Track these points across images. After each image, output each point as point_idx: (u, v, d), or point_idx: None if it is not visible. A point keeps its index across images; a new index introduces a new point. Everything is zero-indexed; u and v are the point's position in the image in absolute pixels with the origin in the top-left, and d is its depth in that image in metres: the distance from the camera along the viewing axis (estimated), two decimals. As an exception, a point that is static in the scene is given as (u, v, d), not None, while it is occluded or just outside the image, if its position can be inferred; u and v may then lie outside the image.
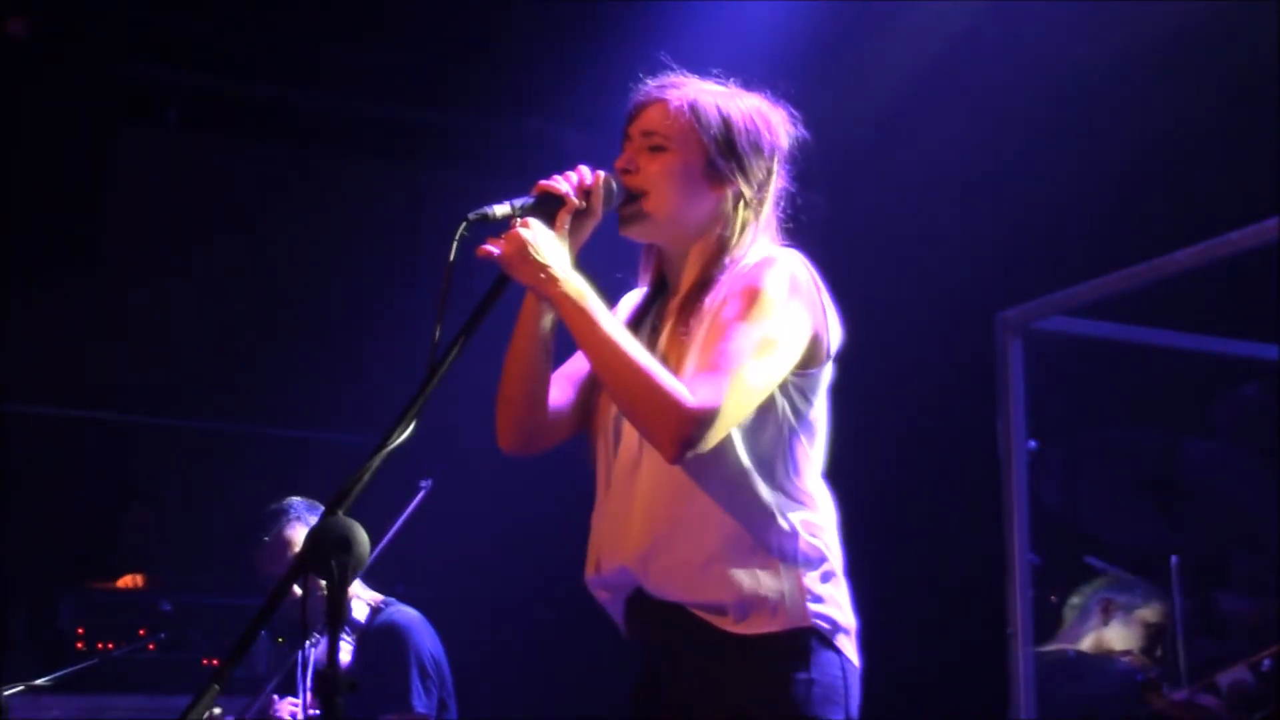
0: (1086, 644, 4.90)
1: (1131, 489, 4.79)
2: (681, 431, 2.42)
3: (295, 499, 4.81)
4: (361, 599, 4.72)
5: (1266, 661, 4.28)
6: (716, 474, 2.52)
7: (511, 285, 2.53)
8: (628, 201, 2.64)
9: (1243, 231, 4.06)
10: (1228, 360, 4.64)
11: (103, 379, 6.66)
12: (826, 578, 2.56)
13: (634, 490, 2.59)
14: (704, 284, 2.62)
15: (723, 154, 2.64)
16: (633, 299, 2.78)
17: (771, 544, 2.52)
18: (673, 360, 2.55)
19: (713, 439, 2.45)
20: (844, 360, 2.68)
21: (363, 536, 2.18)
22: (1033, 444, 4.47)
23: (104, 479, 6.82)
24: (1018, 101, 5.39)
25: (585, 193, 2.60)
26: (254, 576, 4.77)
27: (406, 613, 4.72)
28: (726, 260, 2.63)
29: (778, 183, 2.71)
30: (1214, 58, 5.01)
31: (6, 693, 5.13)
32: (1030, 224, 5.45)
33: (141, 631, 5.93)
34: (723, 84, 2.74)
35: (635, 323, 2.69)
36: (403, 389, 2.37)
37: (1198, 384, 4.80)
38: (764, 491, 2.54)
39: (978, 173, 5.59)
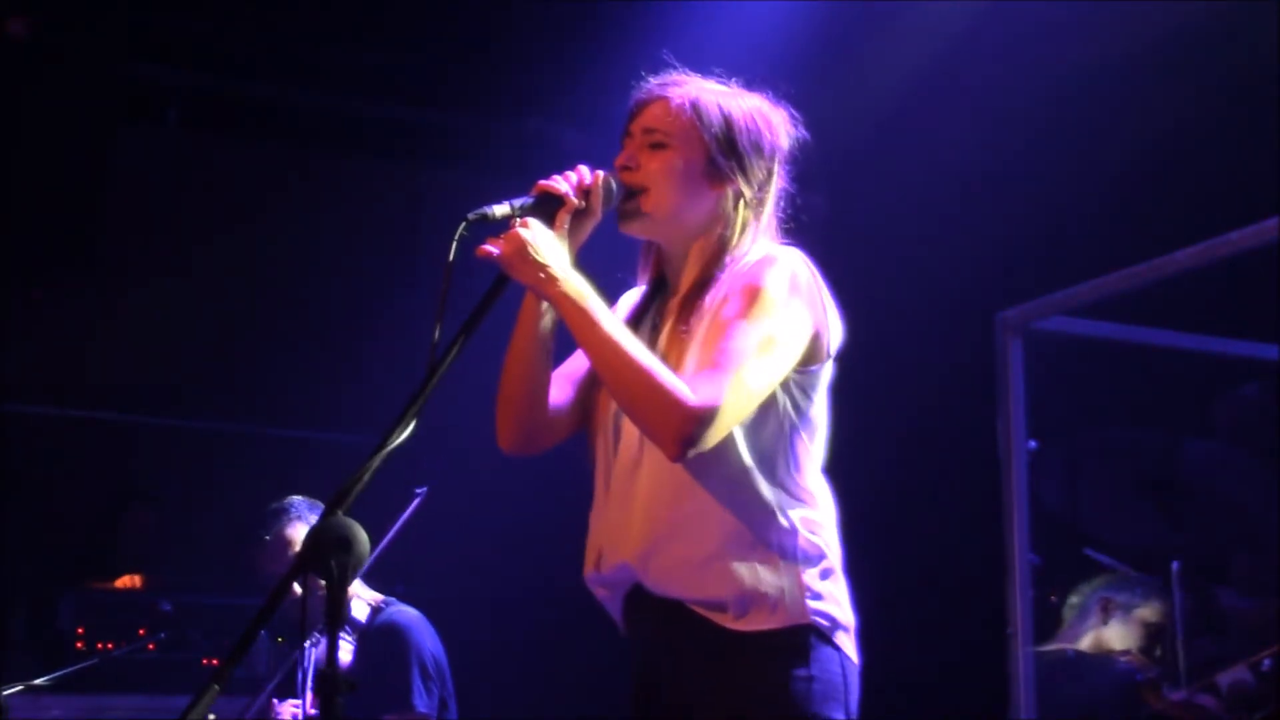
0: (1086, 643, 4.90)
1: (1131, 489, 4.79)
2: (684, 430, 2.42)
3: (296, 498, 4.81)
4: (362, 599, 4.72)
5: (1266, 661, 4.28)
6: (718, 471, 2.52)
7: (511, 285, 2.53)
8: (627, 198, 2.64)
9: (1243, 231, 4.06)
10: (1228, 360, 4.64)
11: (103, 379, 6.66)
12: (826, 575, 2.56)
13: (635, 488, 2.59)
14: (704, 283, 2.62)
15: (723, 153, 2.65)
16: (631, 298, 2.78)
17: (771, 541, 2.52)
18: (673, 359, 2.56)
19: (714, 437, 2.45)
20: (844, 360, 2.68)
21: (362, 536, 2.18)
22: (1033, 444, 4.46)
23: (104, 479, 6.82)
24: (1018, 101, 5.39)
25: (584, 192, 2.60)
26: (254, 576, 4.76)
27: (407, 613, 4.72)
28: (726, 259, 2.63)
29: (778, 183, 2.72)
30: (1214, 58, 5.01)
31: (6, 693, 5.12)
32: (1030, 224, 5.45)
33: (141, 631, 5.93)
34: (724, 84, 2.74)
35: (635, 321, 2.69)
36: (403, 389, 2.37)
37: (1198, 384, 4.80)
38: (765, 488, 2.54)
39: (978, 173, 5.59)
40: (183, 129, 6.30)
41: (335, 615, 2.16)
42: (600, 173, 2.63)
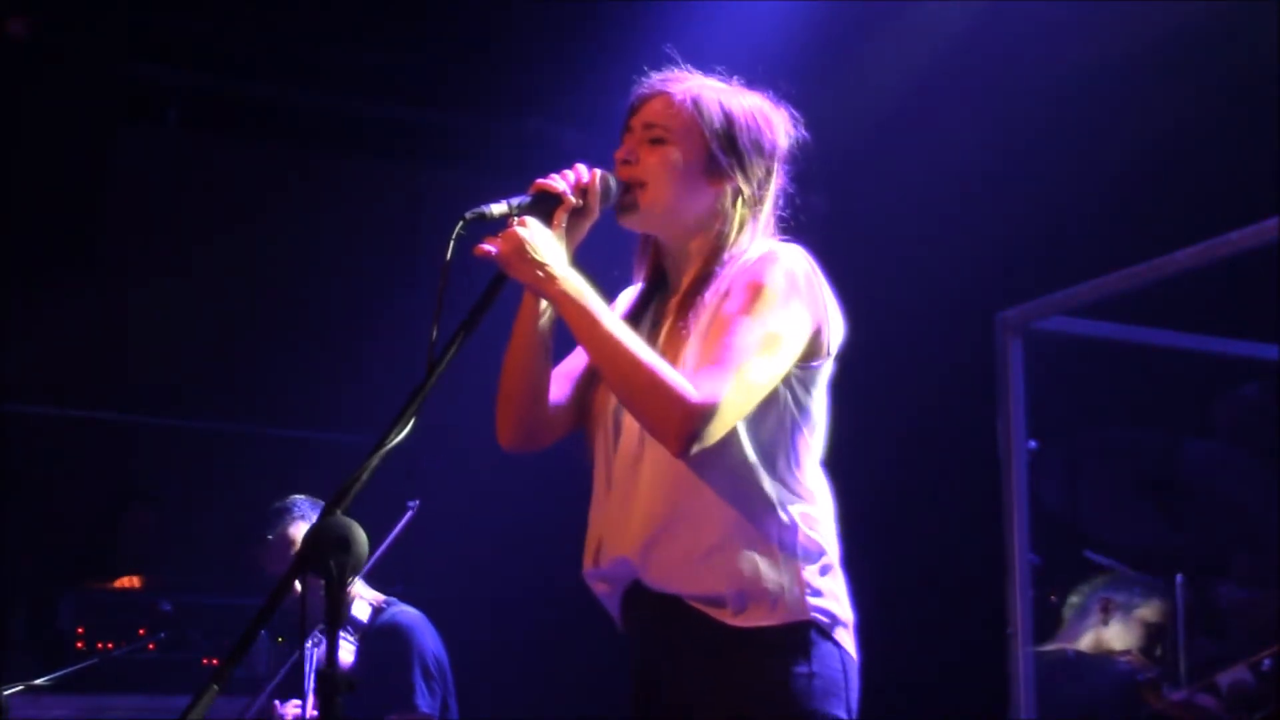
0: (1085, 643, 4.90)
1: (1131, 489, 4.79)
2: (686, 426, 2.42)
3: (298, 497, 4.81)
4: (363, 599, 4.72)
5: (1266, 661, 4.28)
6: (720, 466, 2.52)
7: (509, 284, 2.53)
8: (626, 192, 2.64)
9: (1243, 231, 4.06)
10: (1228, 360, 4.64)
11: (103, 379, 6.65)
12: (825, 571, 2.56)
13: (636, 483, 2.58)
14: (703, 279, 2.62)
15: (723, 149, 2.65)
16: (629, 296, 2.78)
17: (771, 536, 2.52)
18: (672, 356, 2.55)
19: (717, 433, 2.46)
20: (845, 359, 2.68)
21: (361, 536, 2.18)
22: (1033, 444, 4.47)
23: (104, 479, 6.82)
24: (1018, 101, 5.40)
25: (582, 191, 2.60)
26: (255, 576, 4.76)
27: (409, 612, 4.72)
28: (725, 256, 2.63)
29: (777, 182, 2.72)
30: (1214, 58, 5.01)
31: (6, 693, 5.12)
32: (1030, 224, 5.45)
33: (141, 631, 5.93)
34: (726, 82, 2.74)
35: (633, 319, 2.69)
36: (403, 389, 2.37)
37: (1198, 384, 4.80)
38: (766, 484, 2.54)
39: (978, 173, 5.59)
40: (183, 129, 6.30)
41: (335, 615, 2.16)
42: (598, 171, 2.63)
